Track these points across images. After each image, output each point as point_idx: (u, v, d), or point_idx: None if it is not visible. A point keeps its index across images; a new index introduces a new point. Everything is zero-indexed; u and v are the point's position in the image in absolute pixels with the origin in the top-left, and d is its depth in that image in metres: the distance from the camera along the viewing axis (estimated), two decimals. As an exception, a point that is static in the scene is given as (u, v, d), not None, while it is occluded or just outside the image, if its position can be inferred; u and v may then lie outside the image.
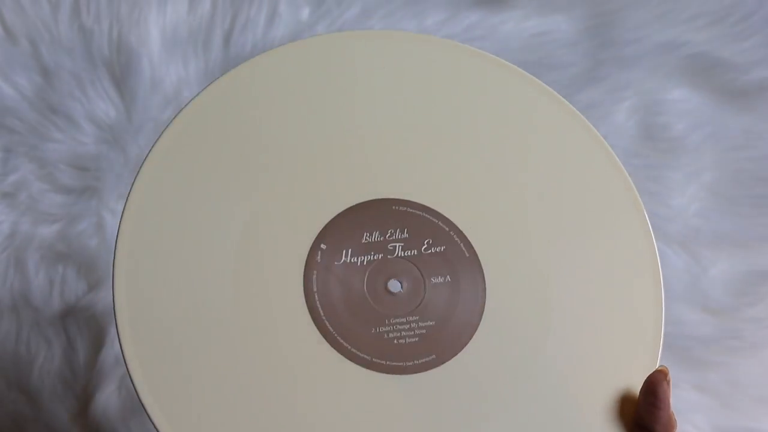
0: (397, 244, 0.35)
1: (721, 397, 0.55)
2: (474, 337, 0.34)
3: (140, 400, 0.31)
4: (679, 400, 0.54)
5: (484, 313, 0.35)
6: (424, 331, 0.34)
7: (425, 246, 0.36)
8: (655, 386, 0.33)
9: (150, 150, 0.35)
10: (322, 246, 0.35)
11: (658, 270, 0.37)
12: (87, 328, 0.52)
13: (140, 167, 0.34)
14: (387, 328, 0.34)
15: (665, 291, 0.36)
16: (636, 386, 0.34)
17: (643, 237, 0.37)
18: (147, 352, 0.31)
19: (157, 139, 0.35)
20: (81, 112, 0.55)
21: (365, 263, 0.35)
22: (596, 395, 0.34)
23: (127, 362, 0.31)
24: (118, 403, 0.51)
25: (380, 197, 0.36)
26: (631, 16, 0.60)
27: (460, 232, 0.36)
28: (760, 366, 0.56)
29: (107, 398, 0.51)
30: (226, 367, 0.32)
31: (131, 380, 0.31)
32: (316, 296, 0.34)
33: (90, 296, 0.53)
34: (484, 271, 0.36)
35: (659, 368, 0.34)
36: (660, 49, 0.60)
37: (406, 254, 0.35)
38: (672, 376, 0.55)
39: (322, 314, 0.33)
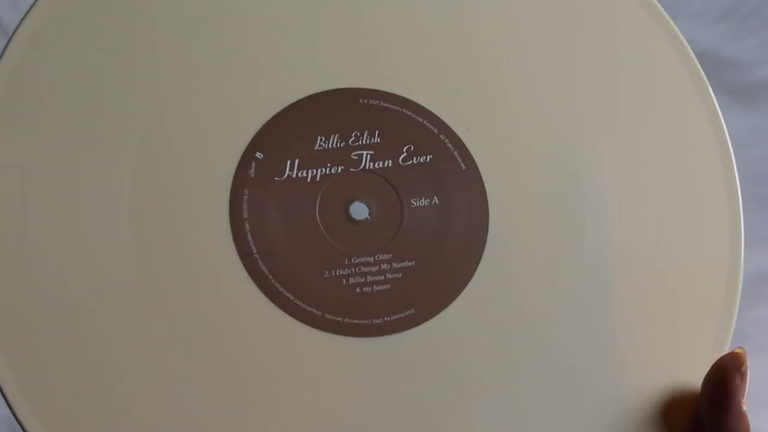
0: (365, 152, 0.25)
1: (726, 399, 0.55)
2: (469, 285, 0.25)
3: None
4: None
5: (485, 250, 0.25)
6: (399, 275, 0.25)
7: (404, 155, 0.25)
8: (725, 377, 0.24)
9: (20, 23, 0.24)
10: (258, 155, 0.25)
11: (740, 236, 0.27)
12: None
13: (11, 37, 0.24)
14: (346, 272, 0.25)
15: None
16: (694, 379, 0.25)
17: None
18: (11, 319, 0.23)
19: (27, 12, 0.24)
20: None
21: (318, 179, 0.25)
22: (638, 384, 0.25)
23: None
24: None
25: (342, 86, 0.25)
26: (634, 14, 0.60)
27: (455, 135, 0.26)
28: (766, 368, 0.55)
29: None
30: (116, 321, 0.23)
31: None
32: (246, 225, 0.24)
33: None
34: (487, 192, 0.26)
35: (734, 350, 0.25)
36: (663, 46, 0.60)
37: (376, 166, 0.25)
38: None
39: (254, 251, 0.24)
